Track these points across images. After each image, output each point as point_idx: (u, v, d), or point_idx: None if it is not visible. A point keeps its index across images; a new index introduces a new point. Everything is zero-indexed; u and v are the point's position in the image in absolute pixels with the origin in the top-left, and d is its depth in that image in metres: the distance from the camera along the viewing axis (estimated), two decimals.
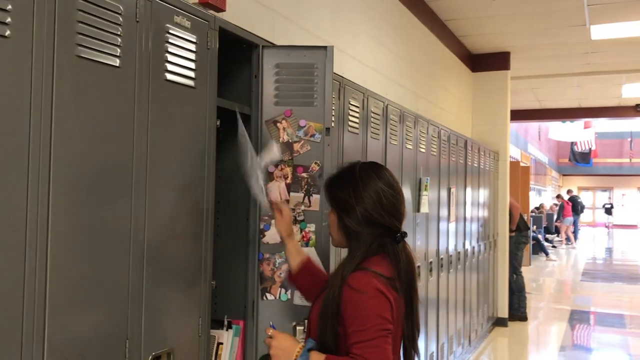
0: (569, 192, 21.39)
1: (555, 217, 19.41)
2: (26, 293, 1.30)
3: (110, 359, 1.54)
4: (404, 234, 1.68)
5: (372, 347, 1.51)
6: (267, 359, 1.68)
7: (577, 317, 7.89)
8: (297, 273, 1.95)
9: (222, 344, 2.10)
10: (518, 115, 10.60)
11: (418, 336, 1.70)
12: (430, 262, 4.29)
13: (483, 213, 6.31)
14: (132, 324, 1.61)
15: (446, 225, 4.77)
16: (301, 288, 1.98)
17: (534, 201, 17.80)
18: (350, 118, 2.92)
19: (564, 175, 29.28)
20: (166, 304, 1.76)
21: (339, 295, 1.56)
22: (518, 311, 7.21)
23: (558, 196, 20.81)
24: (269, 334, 1.65)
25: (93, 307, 1.49)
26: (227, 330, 2.13)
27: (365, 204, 1.64)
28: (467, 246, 5.57)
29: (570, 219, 19.00)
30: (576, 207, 19.52)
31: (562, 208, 19.19)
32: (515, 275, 7.24)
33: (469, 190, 5.57)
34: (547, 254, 14.96)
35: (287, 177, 2.19)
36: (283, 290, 2.18)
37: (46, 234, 1.35)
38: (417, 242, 3.96)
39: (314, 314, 1.68)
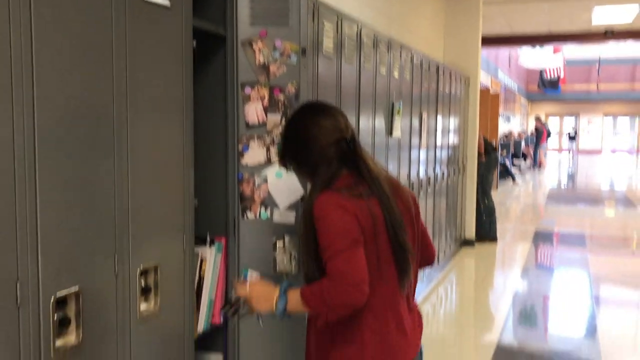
0: (537, 118, 21.74)
1: (522, 143, 19.82)
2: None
3: (100, 271, 1.61)
4: (351, 140, 1.68)
5: (341, 260, 1.52)
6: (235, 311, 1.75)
7: (541, 238, 8.25)
8: None
9: (205, 259, 2.19)
10: (489, 41, 10.61)
11: (403, 234, 1.63)
12: None
13: (453, 139, 6.43)
14: (121, 241, 1.68)
15: (417, 152, 4.87)
16: None
17: (502, 128, 18.08)
18: (325, 42, 2.93)
19: (532, 101, 29.64)
20: (152, 221, 1.82)
21: (310, 224, 1.60)
22: (489, 234, 7.50)
23: (537, 119, 21.08)
24: (245, 288, 1.70)
25: (83, 220, 1.55)
26: (209, 247, 2.22)
27: (304, 143, 1.69)
28: (437, 171, 5.72)
29: (546, 144, 19.48)
30: (539, 133, 19.92)
31: (540, 134, 19.61)
32: (486, 200, 7.49)
33: (440, 116, 5.65)
34: (514, 178, 15.39)
35: (264, 98, 2.23)
36: (263, 209, 2.27)
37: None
38: (389, 168, 4.06)
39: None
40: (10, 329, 1.35)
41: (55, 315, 1.46)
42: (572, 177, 18.18)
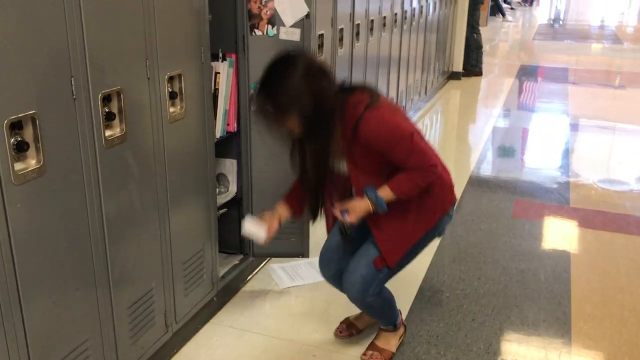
0: None
1: None
2: None
3: (135, 74, 1.83)
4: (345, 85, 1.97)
5: (416, 155, 1.89)
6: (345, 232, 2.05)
7: (526, 71, 8.47)
8: (293, 208, 2.17)
9: (219, 73, 2.41)
10: None
11: None
12: (384, 18, 4.31)
13: None
14: (150, 50, 1.87)
15: None
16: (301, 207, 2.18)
17: None
18: None
19: None
20: (174, 34, 2.00)
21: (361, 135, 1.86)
22: (476, 67, 7.70)
23: None
24: (346, 220, 1.96)
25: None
26: (222, 62, 2.42)
27: (319, 89, 1.84)
28: (429, 2, 5.74)
29: None
30: None
31: None
32: (474, 34, 7.56)
33: None
34: (504, 14, 15.19)
35: None
36: (270, 27, 2.43)
37: None
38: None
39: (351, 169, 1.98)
40: (69, 118, 1.59)
41: (104, 108, 1.70)
42: (562, 14, 17.93)
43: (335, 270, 2.19)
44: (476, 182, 4.17)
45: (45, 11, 1.46)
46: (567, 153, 4.84)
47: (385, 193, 1.93)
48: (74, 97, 1.59)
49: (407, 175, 1.91)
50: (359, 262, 2.05)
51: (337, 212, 2.00)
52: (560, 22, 15.56)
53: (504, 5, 16.10)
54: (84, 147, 1.64)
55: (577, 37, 12.43)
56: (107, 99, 1.72)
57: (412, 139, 1.89)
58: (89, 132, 1.66)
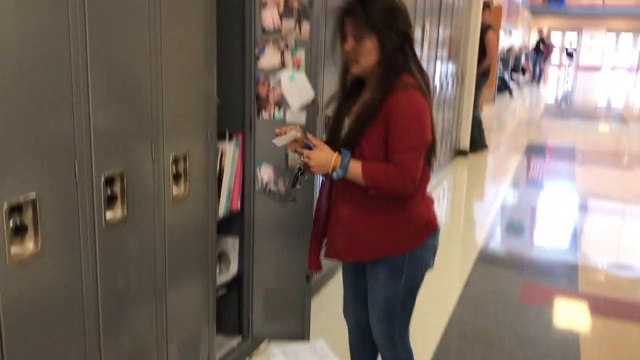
0: (539, 32, 21.46)
1: (522, 57, 19.71)
2: None
3: (139, 156, 1.84)
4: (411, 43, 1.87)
5: (412, 157, 1.78)
6: (297, 177, 1.97)
7: (533, 150, 8.53)
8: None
9: (225, 153, 2.43)
10: None
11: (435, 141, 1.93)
12: None
13: (453, 51, 6.53)
14: (156, 131, 1.90)
15: None
16: None
17: (504, 42, 17.92)
18: None
19: (535, 15, 29.05)
20: (181, 116, 2.03)
21: (382, 104, 1.77)
22: (480, 144, 7.79)
23: (547, 36, 20.82)
24: (305, 154, 1.85)
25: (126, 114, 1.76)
26: (228, 142, 2.44)
27: (406, 25, 1.82)
28: (437, 82, 5.88)
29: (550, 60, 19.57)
30: (539, 48, 19.75)
31: (549, 48, 19.62)
32: (474, 112, 7.70)
33: (441, 28, 5.73)
34: (511, 92, 15.48)
35: (280, 5, 2.38)
36: (276, 109, 2.47)
37: None
38: None
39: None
40: (70, 201, 1.60)
41: (106, 191, 1.71)
42: (569, 93, 18.25)
43: (354, 322, 2.21)
44: (484, 261, 4.10)
45: (51, 93, 1.49)
46: (575, 234, 4.79)
47: (355, 165, 1.81)
48: (76, 180, 1.59)
49: (385, 166, 1.79)
50: (373, 323, 2.04)
51: (300, 151, 1.90)
52: (567, 102, 15.81)
53: (511, 83, 16.44)
54: (84, 231, 1.64)
55: (584, 116, 12.59)
56: (109, 181, 1.73)
57: (421, 145, 1.81)
58: (89, 215, 1.65)
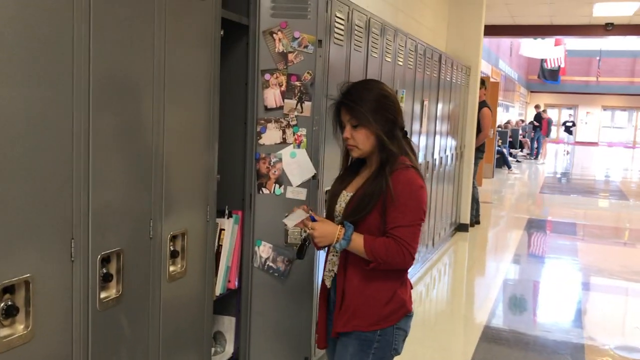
0: (536, 107, 21.91)
1: (520, 132, 20.06)
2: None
3: (137, 234, 1.82)
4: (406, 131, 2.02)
5: (412, 232, 1.87)
6: (303, 248, 1.99)
7: (534, 225, 8.49)
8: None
9: (224, 230, 2.41)
10: (491, 30, 10.74)
11: None
12: None
13: (452, 126, 6.63)
14: (155, 208, 1.88)
15: (417, 137, 5.07)
16: None
17: (501, 117, 18.29)
18: (336, 30, 3.11)
19: (531, 92, 29.78)
20: (181, 193, 2.03)
21: (386, 186, 1.87)
22: (476, 218, 7.83)
23: (544, 111, 21.25)
24: (310, 226, 1.91)
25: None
26: (228, 218, 2.43)
27: (395, 112, 1.95)
28: (436, 157, 5.93)
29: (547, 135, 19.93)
30: (539, 123, 20.11)
31: (549, 124, 20.05)
32: (474, 187, 7.76)
33: (440, 104, 5.84)
34: (509, 167, 15.62)
35: (282, 85, 2.42)
36: (277, 186, 2.47)
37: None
38: None
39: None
40: (65, 281, 1.56)
41: (102, 269, 1.67)
42: (568, 168, 18.42)
43: None
44: (487, 340, 3.99)
45: (50, 171, 1.49)
46: (580, 313, 4.68)
47: (358, 239, 1.88)
48: (72, 259, 1.57)
49: (385, 240, 1.87)
50: None
51: (306, 223, 1.93)
52: (567, 177, 15.93)
53: (510, 159, 16.62)
54: (77, 311, 1.59)
55: (583, 191, 12.63)
56: (105, 260, 1.70)
57: (419, 221, 1.89)
58: (83, 294, 1.61)
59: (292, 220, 1.97)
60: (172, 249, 1.99)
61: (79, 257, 1.58)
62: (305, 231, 1.96)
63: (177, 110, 1.96)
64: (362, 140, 1.92)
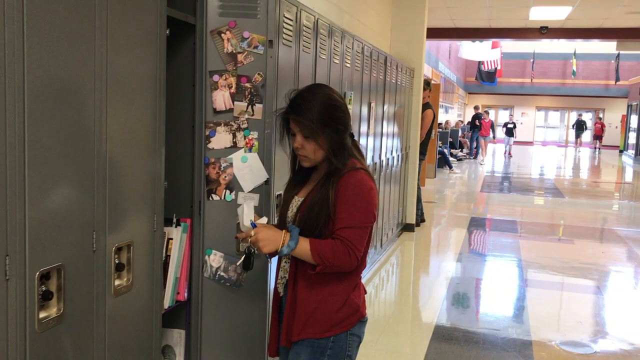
0: (475, 108, 22.46)
1: (460, 133, 20.54)
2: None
3: (80, 247, 1.69)
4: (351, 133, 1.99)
5: (359, 234, 1.84)
6: (249, 257, 1.92)
7: (476, 223, 8.67)
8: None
9: (172, 239, 2.29)
10: (433, 33, 10.93)
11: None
12: None
13: (398, 127, 6.67)
14: (98, 220, 1.76)
15: (365, 139, 5.06)
16: None
17: (441, 118, 18.66)
18: (285, 31, 3.04)
19: (469, 93, 30.57)
20: (126, 202, 1.91)
21: (336, 189, 1.85)
22: (421, 217, 7.97)
23: (487, 113, 21.67)
24: (252, 233, 1.85)
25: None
26: (176, 227, 2.31)
27: (345, 121, 1.92)
28: (383, 158, 5.95)
29: (490, 136, 20.45)
30: (476, 123, 20.58)
31: (492, 125, 20.57)
32: (417, 187, 7.87)
33: (386, 106, 5.86)
34: (451, 167, 15.94)
35: (232, 86, 2.33)
36: (228, 192, 2.38)
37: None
38: None
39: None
40: None
41: (41, 287, 1.54)
42: (506, 168, 18.97)
43: None
44: (438, 340, 4.01)
45: None
46: (525, 310, 4.78)
47: (304, 242, 1.84)
48: (7, 277, 1.43)
49: (332, 241, 1.84)
50: None
51: (251, 232, 1.87)
52: (505, 175, 16.39)
53: (451, 159, 16.97)
54: (12, 334, 1.46)
55: (522, 190, 13.02)
56: (45, 276, 1.57)
57: (368, 223, 1.87)
58: (20, 316, 1.48)
59: (247, 217, 1.92)
60: (117, 261, 1.87)
61: (15, 274, 1.45)
62: (248, 240, 1.89)
63: (120, 114, 1.84)
64: (313, 151, 1.90)
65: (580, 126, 27.65)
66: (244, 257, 1.97)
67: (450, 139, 18.57)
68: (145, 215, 2.03)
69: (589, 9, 9.65)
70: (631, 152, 23.84)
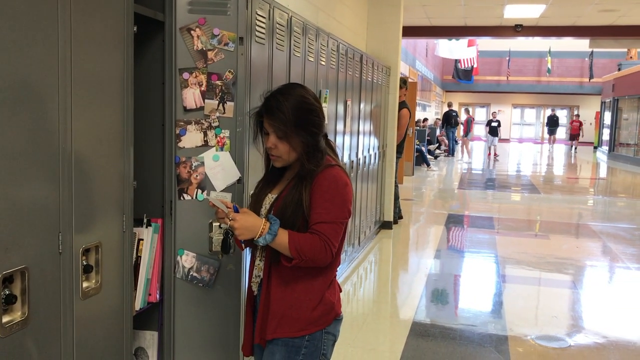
0: (449, 104, 22.62)
1: (437, 131, 20.66)
2: None
3: (45, 249, 1.65)
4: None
5: (335, 229, 1.85)
6: (226, 241, 1.91)
7: (454, 220, 8.73)
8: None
9: (142, 240, 2.25)
10: (409, 31, 10.97)
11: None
12: None
13: (374, 125, 6.68)
14: (64, 220, 1.72)
15: (342, 137, 5.05)
16: None
17: (419, 116, 18.75)
18: (258, 29, 3.01)
19: (447, 91, 30.79)
20: (94, 202, 1.87)
21: (310, 190, 1.85)
22: (399, 214, 8.01)
23: (467, 110, 21.76)
24: (231, 217, 1.84)
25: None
26: (146, 227, 2.28)
27: (318, 123, 1.92)
28: (360, 156, 5.95)
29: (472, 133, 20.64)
30: (450, 120, 20.70)
31: (469, 123, 20.67)
32: (395, 185, 7.90)
33: (362, 104, 5.86)
34: (428, 164, 16.04)
35: (202, 84, 2.30)
36: (199, 191, 2.35)
37: None
38: None
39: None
40: None
41: (4, 291, 1.50)
42: (483, 164, 19.13)
43: None
44: (416, 336, 4.02)
45: None
46: (501, 306, 4.82)
47: (283, 234, 1.84)
48: None
49: (310, 235, 1.84)
50: None
51: (227, 214, 1.87)
52: (483, 172, 16.53)
53: (428, 156, 17.08)
54: None
55: (499, 186, 13.16)
56: (8, 280, 1.53)
57: (343, 219, 1.88)
58: None
59: (215, 196, 1.90)
60: (85, 263, 1.83)
61: None
62: (227, 224, 1.89)
63: (86, 113, 1.80)
64: (286, 152, 1.90)
65: (553, 122, 27.89)
66: (221, 240, 1.97)
67: (428, 137, 18.68)
68: (114, 216, 1.99)
69: (562, 7, 9.77)
70: (605, 148, 24.23)
